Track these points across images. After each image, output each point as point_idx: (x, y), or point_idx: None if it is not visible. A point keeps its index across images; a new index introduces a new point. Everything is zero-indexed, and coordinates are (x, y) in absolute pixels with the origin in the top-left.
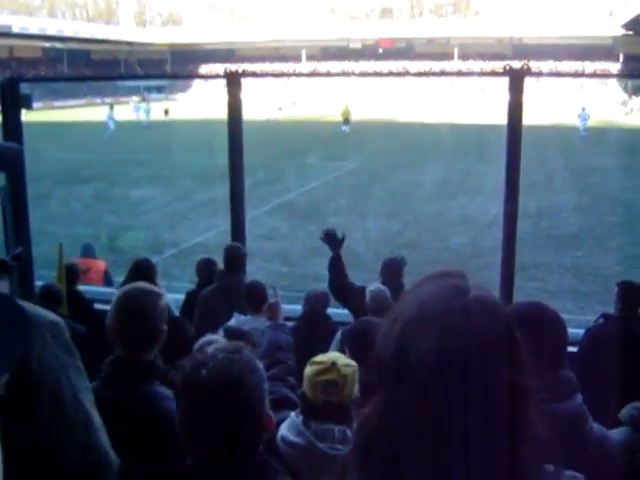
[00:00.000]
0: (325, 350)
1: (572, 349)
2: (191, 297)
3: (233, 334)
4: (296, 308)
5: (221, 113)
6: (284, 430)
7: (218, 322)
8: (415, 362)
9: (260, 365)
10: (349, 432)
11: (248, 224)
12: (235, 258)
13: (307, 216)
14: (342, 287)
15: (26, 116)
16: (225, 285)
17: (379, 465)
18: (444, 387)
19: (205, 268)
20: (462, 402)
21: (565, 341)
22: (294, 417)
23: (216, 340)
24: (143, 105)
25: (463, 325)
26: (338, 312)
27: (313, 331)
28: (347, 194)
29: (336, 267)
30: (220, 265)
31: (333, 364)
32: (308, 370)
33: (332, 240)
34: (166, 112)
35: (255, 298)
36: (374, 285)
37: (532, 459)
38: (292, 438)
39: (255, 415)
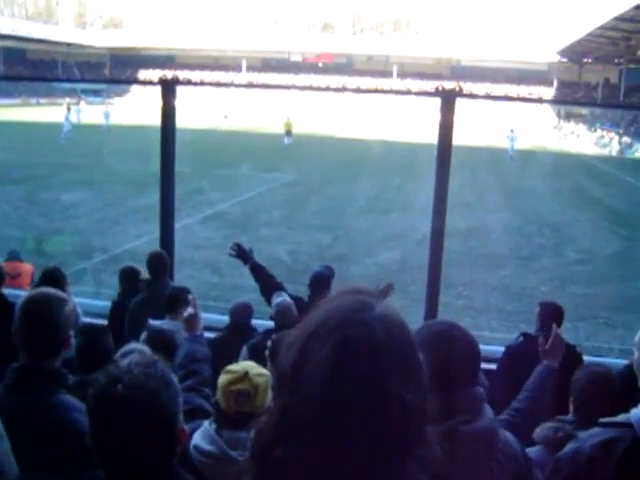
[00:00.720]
0: None
1: (492, 366)
2: (116, 306)
3: (155, 332)
4: (224, 319)
5: (157, 120)
6: (197, 439)
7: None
8: (310, 370)
9: (175, 379)
10: None
11: (181, 232)
12: (159, 265)
13: (240, 227)
14: (272, 288)
15: None
16: (152, 293)
17: (272, 471)
18: (336, 396)
19: (127, 276)
20: (352, 411)
21: (475, 360)
22: (207, 426)
23: (138, 349)
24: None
25: (360, 338)
26: (264, 323)
27: (237, 342)
28: (281, 206)
29: (258, 272)
30: (145, 273)
31: (245, 374)
32: (221, 379)
33: (241, 253)
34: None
35: (174, 303)
36: (279, 298)
37: (414, 476)
38: (205, 446)
39: (169, 430)
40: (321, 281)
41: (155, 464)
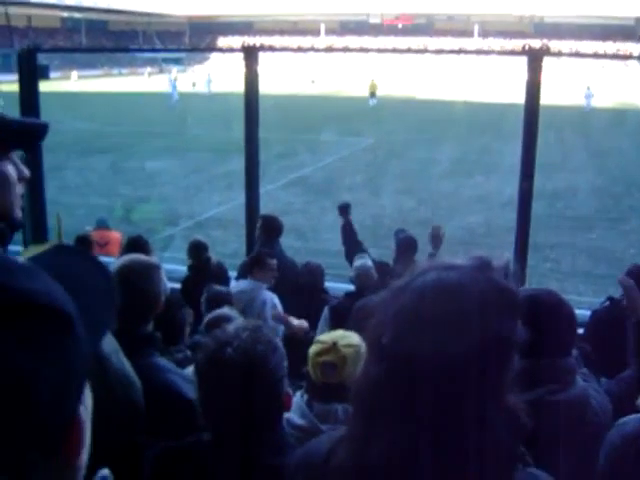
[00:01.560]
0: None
1: (579, 330)
2: (186, 282)
3: (214, 296)
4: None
5: (240, 86)
6: (290, 412)
7: None
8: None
9: (280, 344)
10: None
11: (264, 198)
12: (274, 227)
13: (322, 191)
14: (354, 251)
15: (43, 86)
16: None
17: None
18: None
19: (197, 250)
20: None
21: (571, 329)
22: (299, 398)
23: (229, 315)
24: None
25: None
26: (336, 286)
27: (309, 304)
28: (363, 170)
29: (347, 234)
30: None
31: (334, 344)
32: (311, 349)
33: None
34: (194, 84)
35: (257, 264)
36: (360, 261)
37: (498, 447)
38: (296, 420)
39: (276, 393)
40: (408, 246)
41: (263, 428)
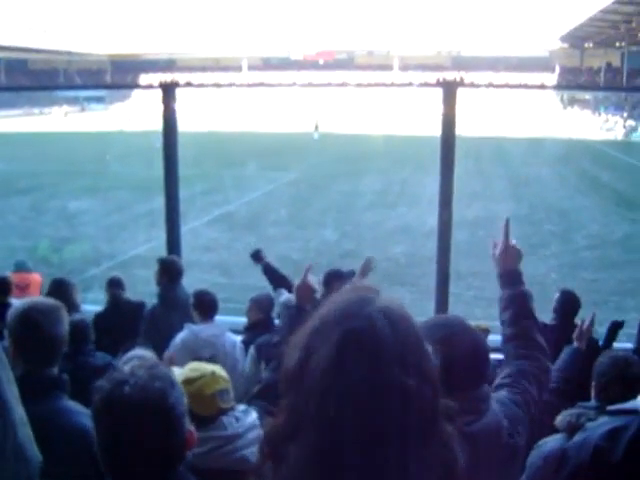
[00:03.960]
0: None
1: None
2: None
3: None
4: (239, 320)
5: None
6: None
7: (164, 335)
8: (313, 365)
9: (178, 381)
10: None
11: (188, 235)
12: (175, 270)
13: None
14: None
15: None
16: (169, 298)
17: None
18: (337, 388)
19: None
20: (353, 404)
21: (480, 363)
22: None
23: (139, 355)
24: None
25: (361, 330)
26: None
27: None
28: (287, 204)
29: (270, 274)
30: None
31: (213, 373)
32: (194, 387)
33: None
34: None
35: (206, 305)
36: (282, 296)
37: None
38: None
39: (177, 431)
40: (336, 278)
41: (164, 468)
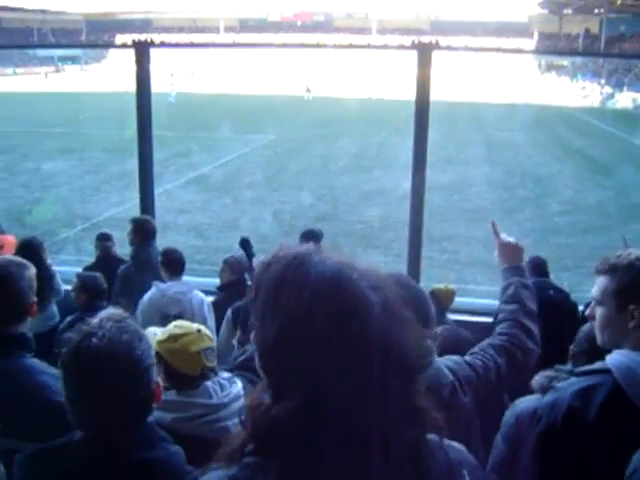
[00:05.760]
0: None
1: (488, 319)
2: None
3: None
4: (212, 282)
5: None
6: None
7: (136, 295)
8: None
9: (145, 333)
10: None
11: (162, 197)
12: (148, 230)
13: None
14: None
15: None
16: (142, 259)
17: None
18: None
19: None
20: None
21: (422, 309)
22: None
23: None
24: None
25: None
26: None
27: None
28: (263, 167)
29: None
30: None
31: (199, 331)
32: (174, 346)
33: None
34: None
35: (174, 263)
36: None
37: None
38: None
39: (145, 383)
40: (312, 239)
41: (133, 419)
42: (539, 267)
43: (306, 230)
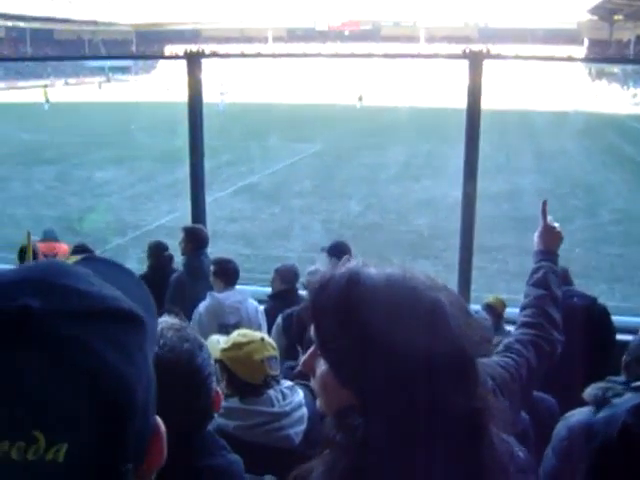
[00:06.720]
0: None
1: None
2: (145, 280)
3: None
4: (262, 290)
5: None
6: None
7: (187, 303)
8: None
9: (205, 343)
10: None
11: (212, 206)
12: (201, 238)
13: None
14: None
15: None
16: (195, 267)
17: None
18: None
19: (156, 251)
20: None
21: None
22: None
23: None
24: None
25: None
26: None
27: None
28: (312, 176)
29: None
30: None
31: (262, 339)
32: (238, 353)
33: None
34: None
35: (228, 273)
36: (312, 266)
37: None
38: None
39: (206, 390)
40: (340, 250)
41: (194, 428)
42: (562, 276)
43: (333, 244)
